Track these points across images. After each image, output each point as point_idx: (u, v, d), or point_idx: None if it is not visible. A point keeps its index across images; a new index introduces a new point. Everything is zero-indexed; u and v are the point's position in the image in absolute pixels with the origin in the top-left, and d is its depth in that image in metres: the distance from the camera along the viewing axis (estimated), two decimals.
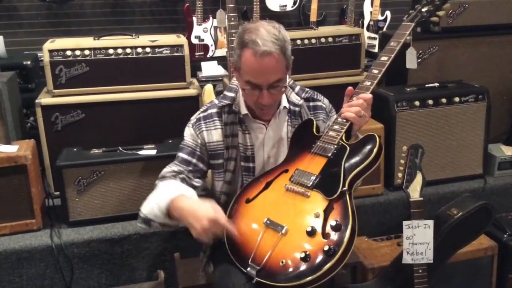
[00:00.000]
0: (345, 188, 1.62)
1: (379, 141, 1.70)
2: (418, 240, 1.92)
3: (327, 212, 1.59)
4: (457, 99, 2.70)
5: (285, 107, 1.87)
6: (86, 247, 2.30)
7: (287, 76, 1.80)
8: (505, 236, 2.46)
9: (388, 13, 4.58)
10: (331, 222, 1.56)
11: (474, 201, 2.16)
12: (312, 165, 1.71)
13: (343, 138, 1.73)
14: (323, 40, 2.88)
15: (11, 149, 2.32)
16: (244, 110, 1.84)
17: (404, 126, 2.65)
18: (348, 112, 1.72)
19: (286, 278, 1.50)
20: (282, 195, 1.68)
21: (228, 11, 2.56)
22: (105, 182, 2.38)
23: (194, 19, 4.25)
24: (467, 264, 2.36)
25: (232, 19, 2.53)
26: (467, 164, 2.81)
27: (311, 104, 1.93)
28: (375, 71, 1.83)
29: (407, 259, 1.94)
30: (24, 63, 3.04)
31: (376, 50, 4.29)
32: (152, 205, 1.74)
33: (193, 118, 1.89)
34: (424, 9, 1.99)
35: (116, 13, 4.28)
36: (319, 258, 1.50)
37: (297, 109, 1.89)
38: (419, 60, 3.00)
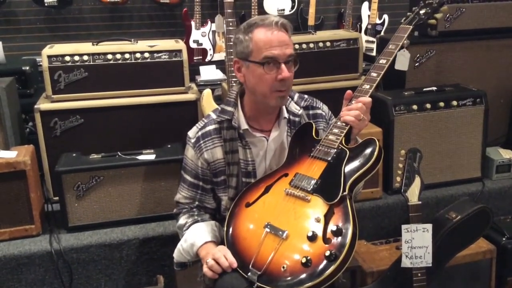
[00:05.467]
0: (345, 193, 1.63)
1: (379, 145, 1.70)
2: (417, 243, 1.92)
3: (327, 216, 1.59)
4: (455, 102, 2.71)
5: (284, 117, 1.87)
6: (85, 252, 2.30)
7: None
8: (504, 239, 2.46)
9: (385, 16, 4.59)
10: (332, 227, 1.57)
11: (473, 205, 2.17)
12: (312, 169, 1.71)
13: (343, 142, 1.73)
14: (321, 44, 2.88)
15: (10, 154, 2.32)
16: (244, 125, 1.82)
17: (402, 130, 2.66)
18: (348, 116, 1.72)
19: (287, 283, 1.51)
20: (282, 200, 1.68)
21: (226, 16, 2.57)
22: (104, 187, 2.38)
23: (193, 23, 4.26)
24: (466, 268, 2.36)
25: (231, 24, 2.54)
26: (465, 168, 2.82)
27: (310, 112, 1.93)
28: (374, 74, 1.82)
29: (406, 262, 1.94)
30: (22, 68, 3.04)
31: (374, 53, 4.30)
32: (181, 252, 1.84)
33: (193, 136, 1.86)
34: (422, 12, 1.99)
35: (114, 18, 4.29)
36: (321, 263, 1.51)
37: (296, 119, 1.88)
38: (417, 64, 3.02)
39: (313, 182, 1.67)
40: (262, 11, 4.35)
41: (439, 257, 2.05)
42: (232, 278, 1.61)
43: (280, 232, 1.59)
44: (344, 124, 1.73)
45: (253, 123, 1.85)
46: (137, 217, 2.45)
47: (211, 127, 1.84)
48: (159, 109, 2.68)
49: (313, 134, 1.82)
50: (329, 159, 1.70)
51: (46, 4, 3.98)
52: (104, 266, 2.34)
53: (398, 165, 2.02)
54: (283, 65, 1.70)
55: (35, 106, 2.55)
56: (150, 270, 2.40)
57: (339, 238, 1.54)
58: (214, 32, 4.32)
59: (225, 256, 1.63)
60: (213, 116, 1.87)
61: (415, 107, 2.66)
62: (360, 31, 4.65)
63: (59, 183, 2.34)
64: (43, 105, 2.56)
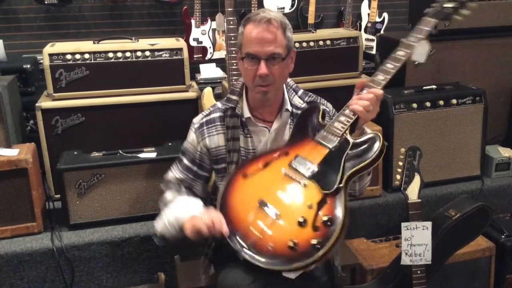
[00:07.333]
0: (341, 185, 1.63)
1: (382, 141, 1.68)
2: (417, 241, 1.93)
3: (320, 205, 1.61)
4: (454, 101, 2.72)
5: (287, 109, 1.88)
6: (86, 249, 2.32)
7: (289, 61, 1.81)
8: (503, 237, 2.48)
9: (385, 15, 4.59)
10: (323, 216, 1.58)
11: (472, 203, 2.18)
12: (313, 154, 1.70)
13: (348, 131, 1.71)
14: (321, 43, 2.89)
15: (11, 152, 2.33)
16: (247, 114, 1.85)
17: (402, 128, 2.67)
18: (357, 105, 1.67)
19: (271, 262, 1.56)
20: (279, 179, 1.69)
21: (227, 14, 2.57)
22: (105, 185, 2.39)
23: (193, 21, 4.27)
24: (465, 265, 2.38)
25: (231, 22, 2.54)
26: (465, 166, 2.83)
27: None
28: (390, 66, 1.74)
29: (405, 260, 1.95)
30: (24, 66, 3.05)
31: (374, 51, 4.31)
32: (166, 225, 1.80)
33: (197, 122, 1.90)
34: (448, 5, 1.82)
35: (114, 16, 4.29)
36: (306, 249, 1.54)
37: (299, 112, 1.89)
38: (417, 62, 3.02)
39: (312, 167, 1.67)
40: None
41: (438, 254, 2.06)
42: (235, 274, 1.63)
43: (272, 211, 1.61)
44: (352, 113, 1.70)
45: (256, 113, 1.87)
46: (138, 214, 2.45)
47: (215, 115, 1.88)
48: (160, 107, 2.69)
49: (319, 117, 1.80)
50: (331, 147, 1.69)
51: (46, 2, 3.98)
52: (105, 263, 2.36)
53: (398, 163, 2.04)
54: (262, 62, 1.71)
55: (37, 104, 2.56)
56: (151, 267, 2.41)
57: (328, 228, 1.56)
58: (214, 30, 4.32)
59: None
60: (219, 105, 1.91)
61: (415, 105, 2.67)
62: (360, 30, 4.66)
63: (60, 181, 2.35)
64: (45, 103, 2.57)
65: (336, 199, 1.61)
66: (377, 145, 1.68)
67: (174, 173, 1.94)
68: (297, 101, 1.90)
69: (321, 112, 1.81)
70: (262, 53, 1.71)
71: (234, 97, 1.88)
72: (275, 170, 1.72)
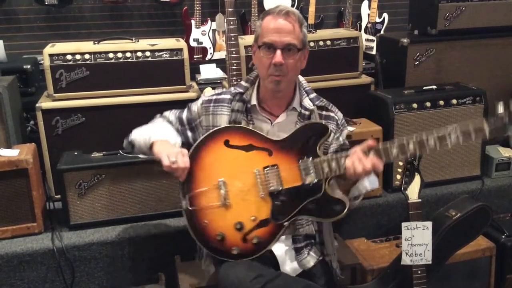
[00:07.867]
0: (286, 224, 1.74)
1: (346, 211, 1.72)
2: (417, 241, 1.93)
3: (261, 224, 1.73)
4: (454, 101, 2.72)
5: (294, 108, 1.89)
6: (87, 250, 2.32)
7: (302, 57, 1.85)
8: (503, 237, 2.48)
9: (385, 15, 4.60)
10: (256, 236, 1.72)
11: (472, 203, 2.18)
12: (287, 176, 1.75)
13: (329, 179, 1.74)
14: (321, 43, 2.89)
15: (12, 153, 2.33)
16: (253, 101, 1.88)
17: (402, 128, 2.67)
18: (352, 166, 1.66)
19: (197, 232, 1.77)
20: (248, 174, 1.76)
21: (227, 15, 2.57)
22: (105, 186, 2.39)
23: (193, 22, 4.27)
24: (466, 265, 2.38)
25: (231, 22, 2.54)
26: (465, 166, 2.83)
27: (323, 113, 1.92)
28: (411, 148, 1.69)
29: (406, 260, 1.95)
30: (24, 67, 3.05)
31: (373, 52, 4.30)
32: (142, 135, 1.93)
33: (207, 96, 1.95)
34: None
35: (114, 16, 4.30)
36: (226, 250, 1.74)
37: (307, 113, 1.89)
38: (417, 62, 3.03)
39: (278, 187, 1.75)
40: (262, 10, 4.35)
41: (439, 254, 2.06)
42: (237, 271, 1.67)
43: (225, 197, 1.73)
44: (344, 167, 1.68)
45: (264, 105, 1.90)
46: (138, 215, 2.45)
47: (226, 96, 1.92)
48: (160, 107, 2.64)
49: (319, 144, 1.77)
50: (306, 183, 1.74)
51: (46, 3, 3.99)
52: (105, 263, 2.36)
53: (398, 163, 2.03)
54: (278, 51, 1.75)
55: (37, 105, 2.56)
56: (152, 267, 2.41)
57: (253, 248, 1.73)
58: (214, 30, 4.33)
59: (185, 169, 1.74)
60: (231, 89, 1.95)
61: (415, 105, 2.67)
62: (360, 30, 4.66)
63: (60, 181, 2.35)
64: (45, 103, 2.57)
65: (275, 232, 1.74)
66: (340, 211, 1.73)
67: (170, 114, 2.02)
68: (307, 102, 1.90)
69: (323, 139, 1.78)
70: (279, 43, 1.75)
71: (246, 84, 1.92)
72: (252, 162, 1.78)
